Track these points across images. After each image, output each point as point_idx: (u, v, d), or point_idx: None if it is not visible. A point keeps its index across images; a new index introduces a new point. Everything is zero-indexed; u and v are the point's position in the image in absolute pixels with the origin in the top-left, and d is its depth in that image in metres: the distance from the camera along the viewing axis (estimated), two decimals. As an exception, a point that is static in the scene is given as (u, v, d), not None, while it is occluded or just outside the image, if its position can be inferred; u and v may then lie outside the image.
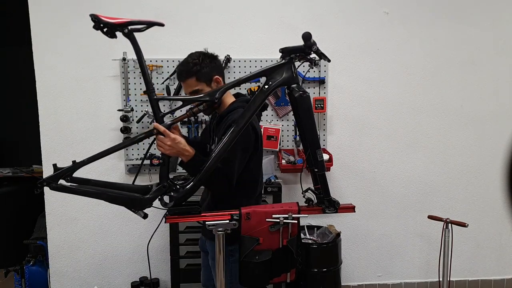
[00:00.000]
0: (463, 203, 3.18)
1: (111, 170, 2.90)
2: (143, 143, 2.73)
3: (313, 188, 1.83)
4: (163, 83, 2.85)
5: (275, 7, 2.93)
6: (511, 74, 3.11)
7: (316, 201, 1.82)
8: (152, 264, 2.88)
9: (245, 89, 2.86)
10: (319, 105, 2.91)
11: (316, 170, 1.76)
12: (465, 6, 3.04)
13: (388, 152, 3.10)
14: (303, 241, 2.67)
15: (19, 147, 4.26)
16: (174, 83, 2.86)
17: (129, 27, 1.60)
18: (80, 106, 2.87)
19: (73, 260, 2.96)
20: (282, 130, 2.94)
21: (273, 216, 1.68)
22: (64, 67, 2.83)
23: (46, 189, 1.71)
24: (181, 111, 1.91)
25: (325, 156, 2.64)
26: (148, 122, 2.87)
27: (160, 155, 1.73)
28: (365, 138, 3.07)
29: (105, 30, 1.58)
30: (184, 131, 2.88)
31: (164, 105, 2.77)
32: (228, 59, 2.84)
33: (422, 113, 3.09)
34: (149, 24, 1.64)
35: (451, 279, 2.97)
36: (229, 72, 2.87)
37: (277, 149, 2.90)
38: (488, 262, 3.24)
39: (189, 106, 1.86)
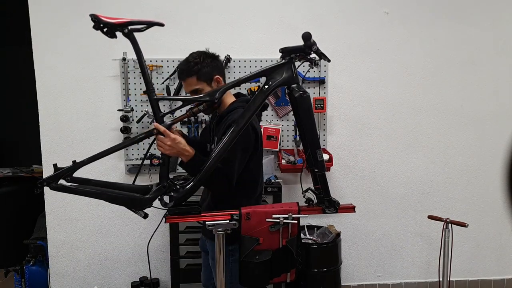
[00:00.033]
0: (463, 203, 3.18)
1: (111, 170, 2.90)
2: (143, 143, 2.73)
3: (313, 188, 1.83)
4: (163, 83, 2.85)
5: (275, 7, 2.93)
6: (511, 74, 3.11)
7: (316, 201, 1.82)
8: (152, 264, 2.88)
9: (245, 89, 2.86)
10: (319, 105, 2.91)
11: (316, 170, 1.75)
12: (465, 6, 3.04)
13: (388, 152, 3.10)
14: (303, 241, 2.67)
15: (19, 147, 4.26)
16: (174, 83, 2.87)
17: (129, 27, 1.60)
18: (80, 106, 2.87)
19: (73, 260, 2.96)
20: (282, 130, 2.94)
21: (273, 216, 1.68)
22: (64, 67, 2.83)
23: (46, 189, 1.71)
24: (181, 111, 1.91)
25: (325, 156, 2.64)
26: (148, 122, 2.87)
27: (160, 155, 1.73)
28: (365, 138, 3.07)
29: (105, 30, 1.58)
30: (184, 131, 2.87)
31: (164, 105, 2.77)
32: (228, 59, 2.84)
33: (422, 113, 3.09)
34: (149, 24, 1.64)
35: (451, 279, 2.97)
36: (229, 72, 2.87)
37: (277, 149, 2.90)
38: (488, 262, 3.24)
39: (189, 106, 1.86)
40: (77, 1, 2.80)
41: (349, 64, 3.00)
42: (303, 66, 2.64)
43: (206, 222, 1.67)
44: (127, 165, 2.90)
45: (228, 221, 1.67)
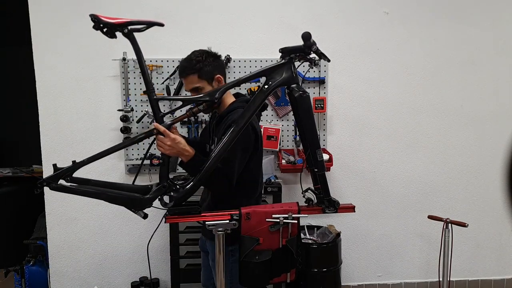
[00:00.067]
0: (463, 203, 3.18)
1: (111, 170, 2.90)
2: (143, 143, 2.73)
3: (313, 188, 1.83)
4: (163, 83, 2.85)
5: (275, 7, 2.93)
6: (511, 74, 3.11)
7: (316, 201, 1.82)
8: (152, 264, 2.88)
9: (245, 89, 2.86)
10: (319, 105, 2.91)
11: (316, 170, 1.76)
12: (465, 6, 3.04)
13: (388, 152, 3.10)
14: (303, 241, 2.67)
15: (19, 147, 4.26)
16: (174, 83, 2.87)
17: (129, 27, 1.60)
18: (80, 106, 2.87)
19: (73, 260, 2.96)
20: (282, 130, 2.94)
21: (273, 216, 1.68)
22: (64, 67, 2.83)
23: (46, 189, 1.71)
24: (181, 111, 1.90)
25: (325, 156, 2.64)
26: (148, 122, 2.87)
27: (160, 155, 1.73)
28: (365, 138, 3.07)
29: (105, 30, 1.58)
30: (184, 131, 2.88)
31: (164, 105, 2.77)
32: (228, 59, 2.84)
33: (422, 113, 3.09)
34: (149, 24, 1.64)
35: (451, 279, 2.97)
36: (229, 72, 2.87)
37: (277, 149, 2.90)
38: (488, 262, 3.24)
39: (189, 106, 1.86)
40: (77, 1, 2.80)
41: (349, 64, 3.00)
42: (303, 66, 2.64)
43: (206, 222, 1.67)
44: (127, 165, 2.90)
45: (228, 221, 1.67)
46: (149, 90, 1.68)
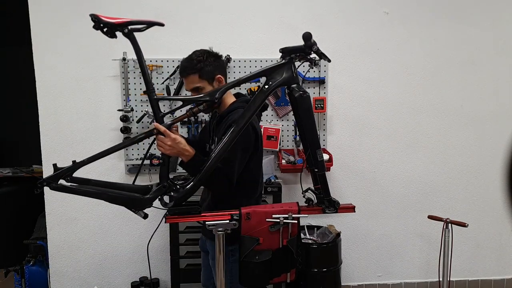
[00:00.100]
0: (463, 203, 3.18)
1: (111, 170, 2.90)
2: (143, 143, 2.73)
3: (313, 188, 1.83)
4: (163, 83, 2.85)
5: (275, 7, 2.93)
6: (511, 74, 3.11)
7: (316, 201, 1.82)
8: (152, 264, 2.88)
9: (245, 89, 2.86)
10: (319, 105, 2.91)
11: (316, 170, 1.76)
12: (465, 6, 3.04)
13: (388, 152, 3.10)
14: (303, 241, 2.67)
15: (19, 147, 4.26)
16: (174, 83, 2.87)
17: (129, 27, 1.60)
18: (80, 106, 2.87)
19: (73, 260, 2.96)
20: (282, 130, 2.94)
21: (273, 216, 1.68)
22: (64, 67, 2.83)
23: (46, 189, 1.71)
24: (181, 111, 1.90)
25: (325, 156, 2.64)
26: (148, 122, 2.87)
27: (160, 155, 1.73)
28: (365, 138, 3.07)
29: (105, 30, 1.58)
30: (184, 131, 2.88)
31: (164, 105, 2.77)
32: (228, 59, 2.84)
33: (422, 113, 3.09)
34: (149, 24, 1.64)
35: (451, 279, 2.97)
36: (229, 72, 2.87)
37: (277, 149, 2.90)
38: (488, 262, 3.24)
39: (189, 106, 1.86)
40: (77, 1, 2.80)
41: (349, 64, 3.00)
42: (303, 66, 2.63)
43: (206, 222, 1.67)
44: (127, 165, 2.90)
45: (228, 221, 1.67)
46: (149, 90, 1.68)
